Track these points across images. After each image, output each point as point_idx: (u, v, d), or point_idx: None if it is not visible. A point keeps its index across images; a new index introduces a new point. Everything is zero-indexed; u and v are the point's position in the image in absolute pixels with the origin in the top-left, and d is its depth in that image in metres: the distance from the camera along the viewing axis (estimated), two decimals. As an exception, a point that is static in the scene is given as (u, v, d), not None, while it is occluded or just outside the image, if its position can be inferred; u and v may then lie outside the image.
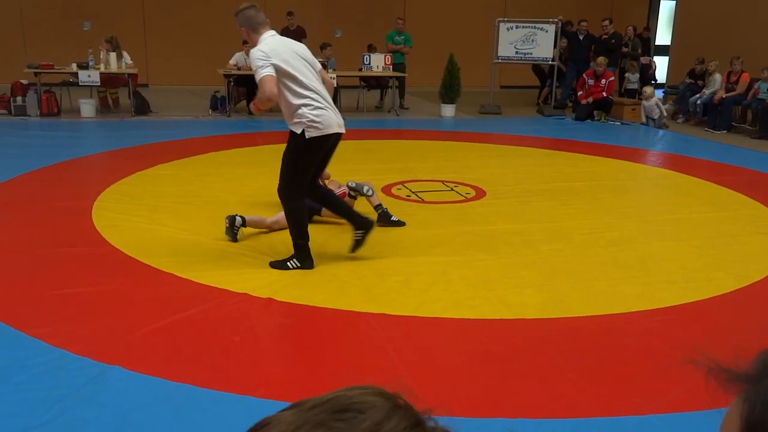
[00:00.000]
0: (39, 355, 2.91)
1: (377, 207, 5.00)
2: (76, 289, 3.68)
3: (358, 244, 4.21)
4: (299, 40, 12.76)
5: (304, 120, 3.83)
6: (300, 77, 3.81)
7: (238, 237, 4.52)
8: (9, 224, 4.68)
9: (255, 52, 3.79)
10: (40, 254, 4.15)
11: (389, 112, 11.27)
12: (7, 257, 4.08)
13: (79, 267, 4.00)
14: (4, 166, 6.32)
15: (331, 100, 3.99)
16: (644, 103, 10.57)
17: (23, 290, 3.61)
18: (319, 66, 4.10)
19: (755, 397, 0.50)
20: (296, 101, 3.82)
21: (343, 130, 3.99)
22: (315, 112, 3.82)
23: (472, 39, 14.51)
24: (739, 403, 0.51)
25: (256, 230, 4.75)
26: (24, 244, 4.31)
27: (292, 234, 4.08)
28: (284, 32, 11.62)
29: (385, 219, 4.94)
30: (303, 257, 4.07)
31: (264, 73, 3.69)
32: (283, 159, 3.99)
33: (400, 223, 4.99)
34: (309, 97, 3.82)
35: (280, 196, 4.04)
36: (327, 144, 3.94)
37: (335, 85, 9.94)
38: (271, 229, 4.74)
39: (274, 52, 3.77)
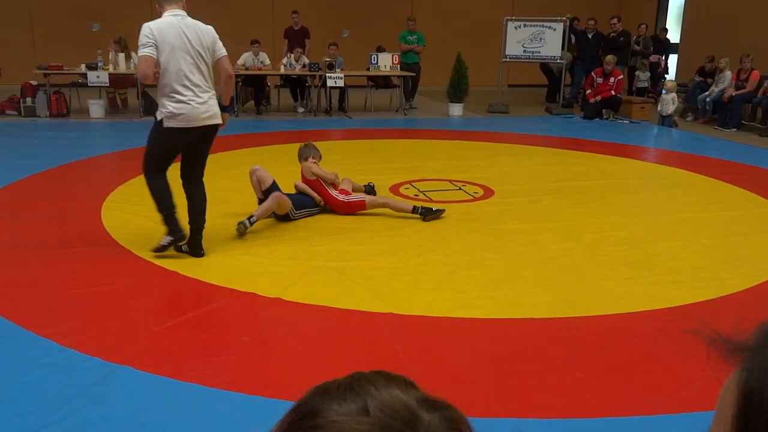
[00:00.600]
0: (49, 355, 2.93)
1: (414, 209, 5.12)
2: (86, 289, 3.70)
3: (161, 248, 4.12)
4: (302, 41, 12.64)
5: (163, 109, 3.93)
6: (170, 67, 3.83)
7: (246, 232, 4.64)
8: (19, 224, 4.71)
9: (144, 27, 3.85)
10: (50, 254, 4.18)
11: (396, 111, 11.26)
12: (16, 257, 4.11)
13: (88, 267, 4.02)
14: (14, 167, 6.36)
15: (206, 92, 3.98)
16: (663, 95, 10.49)
17: (33, 290, 3.63)
18: (220, 54, 4.07)
19: (753, 365, 0.52)
20: (162, 89, 3.90)
21: (210, 122, 4.01)
22: (175, 104, 3.88)
23: (479, 38, 14.49)
24: (738, 372, 0.53)
25: (263, 230, 4.76)
26: (33, 244, 4.33)
27: (157, 210, 4.13)
28: (288, 31, 11.64)
29: (427, 213, 5.09)
30: (172, 229, 4.11)
31: (143, 52, 3.80)
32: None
33: (440, 211, 5.15)
34: (174, 89, 3.86)
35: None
36: (187, 136, 3.98)
37: (322, 84, 9.94)
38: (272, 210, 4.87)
39: (160, 34, 3.82)
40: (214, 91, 4.10)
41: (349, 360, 3.00)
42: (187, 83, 3.89)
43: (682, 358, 3.08)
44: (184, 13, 3.98)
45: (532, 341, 3.22)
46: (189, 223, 4.21)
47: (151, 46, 3.80)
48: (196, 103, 3.93)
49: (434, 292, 3.75)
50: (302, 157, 5.36)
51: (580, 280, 4.01)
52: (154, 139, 4.05)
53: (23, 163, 6.50)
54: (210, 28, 4.10)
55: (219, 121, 4.12)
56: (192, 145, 4.09)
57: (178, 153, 4.14)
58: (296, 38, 11.47)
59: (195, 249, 4.21)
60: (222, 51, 4.09)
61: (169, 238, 4.14)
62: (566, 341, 3.21)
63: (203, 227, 4.25)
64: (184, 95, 3.88)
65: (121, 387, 2.70)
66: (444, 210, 5.18)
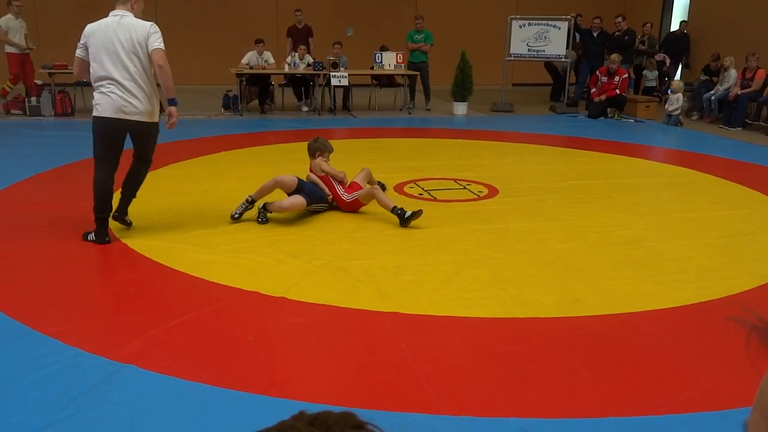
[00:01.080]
0: (54, 354, 2.93)
1: (393, 210, 4.93)
2: (91, 288, 3.71)
3: (87, 236, 4.35)
4: (306, 39, 12.57)
5: (93, 101, 4.24)
6: (95, 64, 4.15)
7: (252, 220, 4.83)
8: (23, 224, 4.72)
9: (84, 29, 4.24)
10: (55, 253, 4.18)
11: (401, 110, 11.25)
12: (21, 256, 4.11)
13: (93, 266, 4.03)
14: (19, 166, 6.37)
15: (133, 88, 4.16)
16: (670, 94, 10.46)
17: (38, 289, 3.64)
18: (152, 47, 4.18)
19: None
20: (93, 83, 4.22)
21: (133, 118, 4.19)
22: (98, 96, 4.18)
23: (484, 37, 14.47)
24: None
25: (267, 229, 4.77)
26: (38, 243, 4.34)
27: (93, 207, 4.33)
28: (292, 30, 11.62)
29: (403, 218, 4.86)
30: (99, 232, 4.32)
31: (76, 54, 4.28)
32: None
33: (417, 213, 4.88)
34: (100, 84, 4.16)
35: None
36: (112, 126, 4.18)
37: (322, 83, 9.94)
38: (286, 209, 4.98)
39: (91, 34, 4.18)
40: (149, 90, 4.24)
41: (353, 359, 3.00)
42: (111, 78, 4.13)
43: (687, 357, 3.07)
44: (124, 12, 4.23)
45: (537, 341, 3.21)
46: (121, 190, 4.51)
47: (81, 47, 4.24)
48: (116, 95, 4.14)
49: (439, 292, 3.74)
50: (312, 152, 5.40)
51: (585, 279, 4.00)
52: (93, 132, 4.29)
53: (28, 162, 6.52)
54: (145, 24, 4.23)
55: (146, 119, 4.26)
56: (121, 140, 4.29)
57: (110, 146, 4.26)
58: (300, 36, 11.46)
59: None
60: (155, 44, 4.20)
61: (91, 236, 4.35)
62: (571, 341, 3.21)
63: (128, 203, 4.55)
64: (107, 88, 4.15)
65: (125, 386, 2.71)
66: (421, 210, 4.92)
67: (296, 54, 10.77)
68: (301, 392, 2.68)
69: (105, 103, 4.15)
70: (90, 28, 4.20)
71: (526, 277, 4.00)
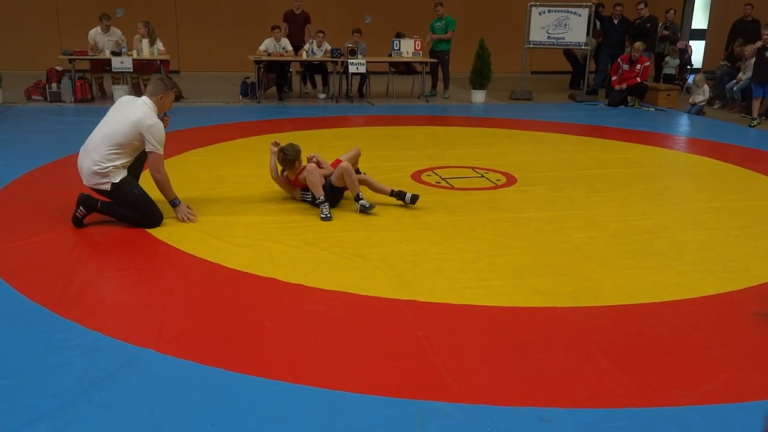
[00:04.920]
0: (75, 338, 2.96)
1: (392, 193, 5.05)
2: (111, 273, 3.74)
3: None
4: (303, 26, 12.47)
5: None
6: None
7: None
8: (44, 209, 4.77)
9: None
10: (74, 239, 4.22)
11: (419, 98, 11.20)
12: (42, 241, 4.16)
13: (112, 251, 4.06)
14: (40, 151, 6.43)
15: (99, 159, 4.36)
16: (695, 87, 10.35)
17: (58, 273, 3.68)
18: (147, 149, 4.40)
19: None
20: None
21: (88, 183, 4.45)
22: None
23: (503, 24, 14.35)
24: None
25: (285, 217, 4.78)
26: (58, 228, 4.38)
27: None
28: (288, 15, 11.49)
29: (403, 198, 5.05)
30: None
31: None
32: None
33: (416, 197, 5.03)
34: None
35: None
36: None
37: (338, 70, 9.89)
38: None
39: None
40: (109, 165, 4.33)
41: (370, 346, 3.00)
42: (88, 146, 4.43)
43: (709, 348, 3.04)
44: (138, 99, 4.50)
45: (556, 330, 3.19)
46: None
47: None
48: (81, 158, 4.44)
49: (457, 280, 3.73)
50: (291, 163, 5.01)
51: (605, 269, 3.97)
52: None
53: (49, 147, 6.57)
54: (146, 117, 4.34)
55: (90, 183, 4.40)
56: None
57: None
58: (297, 23, 11.33)
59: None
60: (148, 146, 4.37)
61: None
62: (590, 331, 3.18)
63: None
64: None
65: (145, 370, 2.73)
66: (417, 196, 5.02)
67: (314, 42, 10.74)
68: (319, 378, 2.69)
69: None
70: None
71: (544, 266, 3.98)
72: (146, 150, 4.38)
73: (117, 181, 4.35)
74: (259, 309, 3.32)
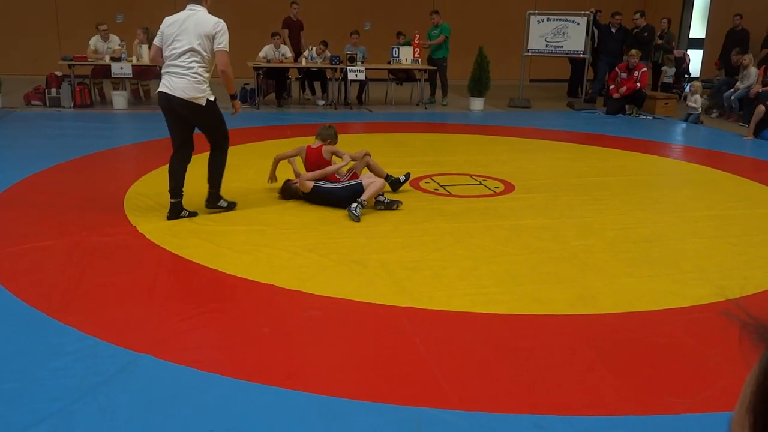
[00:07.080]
0: (74, 342, 2.97)
1: (387, 177, 5.53)
2: (109, 278, 3.74)
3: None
4: (298, 33, 12.53)
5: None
6: (165, 51, 4.64)
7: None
8: (43, 214, 4.77)
9: (163, 21, 4.74)
10: (73, 244, 4.22)
11: (417, 105, 11.22)
12: (41, 246, 4.16)
13: (111, 257, 4.06)
14: (39, 156, 6.43)
15: (193, 74, 4.58)
16: (689, 96, 10.39)
17: (57, 278, 3.68)
18: (217, 48, 4.59)
19: None
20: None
21: (183, 96, 4.57)
22: (163, 76, 4.69)
23: (502, 32, 14.38)
24: (764, 352, 0.51)
25: (283, 222, 4.78)
26: (57, 233, 4.38)
27: None
28: (287, 21, 11.55)
29: (398, 183, 5.65)
30: (170, 211, 4.77)
31: (153, 42, 4.82)
32: None
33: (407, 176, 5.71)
34: (166, 67, 4.65)
35: None
36: (168, 102, 4.63)
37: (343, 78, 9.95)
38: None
39: (165, 25, 4.67)
40: (201, 78, 4.60)
41: (368, 353, 3.00)
42: (174, 63, 4.58)
43: (706, 356, 3.04)
44: (198, 8, 4.66)
45: (553, 338, 3.20)
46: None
47: (158, 35, 4.70)
48: (175, 77, 4.58)
49: (455, 287, 3.74)
50: (325, 138, 5.51)
51: (603, 276, 3.98)
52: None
53: (48, 153, 6.58)
54: (212, 21, 4.60)
55: (186, 96, 4.57)
56: (183, 117, 4.69)
57: (168, 122, 4.78)
58: (295, 29, 11.48)
59: (210, 202, 5.00)
60: (219, 45, 4.60)
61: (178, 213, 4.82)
62: (588, 338, 3.19)
63: (215, 188, 5.00)
64: (169, 71, 4.62)
65: (143, 375, 2.73)
66: (409, 174, 5.76)
67: (314, 49, 10.77)
68: (317, 385, 2.69)
69: (164, 80, 4.64)
70: (167, 20, 4.69)
71: (542, 274, 3.98)
72: (216, 49, 4.59)
73: (213, 99, 4.69)
74: (257, 315, 3.33)
